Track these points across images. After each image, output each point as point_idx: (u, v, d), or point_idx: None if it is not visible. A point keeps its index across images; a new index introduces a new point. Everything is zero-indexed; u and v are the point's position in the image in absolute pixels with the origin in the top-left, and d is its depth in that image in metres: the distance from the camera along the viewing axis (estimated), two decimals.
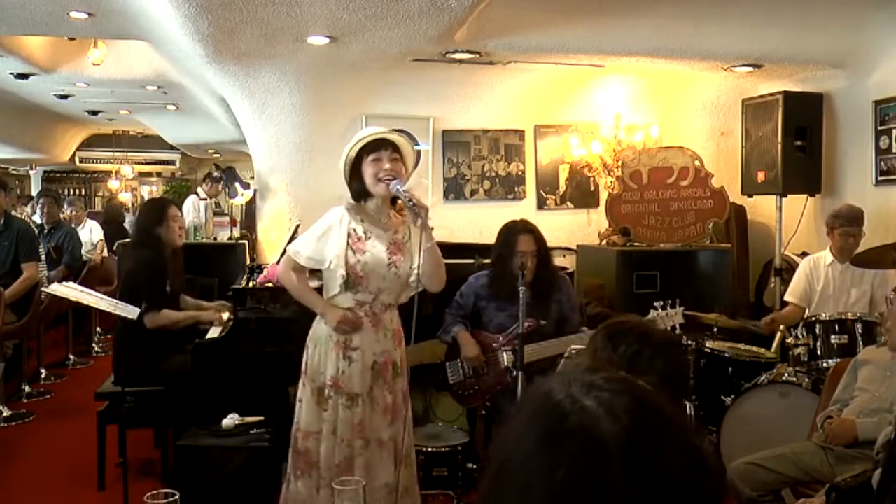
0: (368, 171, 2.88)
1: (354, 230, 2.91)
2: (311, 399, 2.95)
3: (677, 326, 3.70)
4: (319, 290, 3.07)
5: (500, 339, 3.76)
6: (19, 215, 6.62)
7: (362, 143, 2.89)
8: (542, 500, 0.80)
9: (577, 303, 4.15)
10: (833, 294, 4.23)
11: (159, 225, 4.13)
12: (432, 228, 2.85)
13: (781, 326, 4.06)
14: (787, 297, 4.46)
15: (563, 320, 3.85)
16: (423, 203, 2.77)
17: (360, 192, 2.95)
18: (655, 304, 3.68)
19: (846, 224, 4.18)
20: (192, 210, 7.77)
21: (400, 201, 2.89)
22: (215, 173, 7.28)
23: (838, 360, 3.56)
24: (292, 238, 4.29)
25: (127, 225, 9.34)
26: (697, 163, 5.39)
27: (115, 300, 3.86)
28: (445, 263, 3.01)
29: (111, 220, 9.07)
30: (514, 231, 3.80)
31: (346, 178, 2.95)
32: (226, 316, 4.11)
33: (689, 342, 3.99)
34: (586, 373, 0.89)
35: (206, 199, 7.92)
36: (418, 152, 5.83)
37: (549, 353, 3.57)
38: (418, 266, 2.89)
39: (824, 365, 3.70)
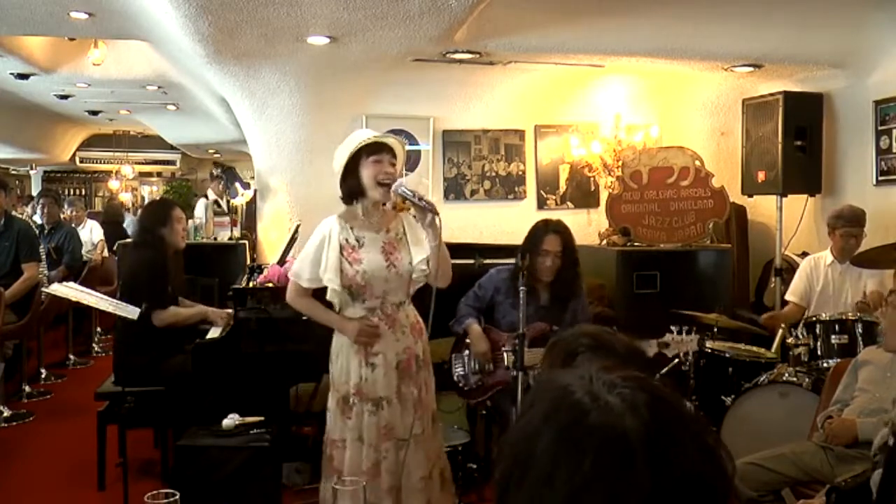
0: (367, 172, 2.86)
1: (346, 240, 2.90)
2: (335, 408, 2.96)
3: (690, 353, 3.66)
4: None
5: (512, 337, 3.74)
6: (20, 215, 6.62)
7: (363, 144, 2.86)
8: (563, 493, 0.81)
9: (591, 315, 4.11)
10: (832, 294, 4.23)
11: (163, 226, 4.12)
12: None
13: (782, 326, 4.06)
14: (787, 297, 4.47)
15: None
16: (432, 202, 2.77)
17: (352, 193, 2.92)
18: (672, 327, 3.56)
19: (848, 225, 4.18)
20: (203, 212, 7.70)
21: (408, 201, 2.84)
22: (215, 171, 7.27)
23: (838, 360, 3.56)
24: (292, 238, 4.29)
25: (127, 225, 9.35)
26: (697, 163, 5.38)
27: (115, 300, 3.86)
28: None
29: (111, 221, 9.07)
30: (543, 230, 3.77)
31: (340, 177, 2.93)
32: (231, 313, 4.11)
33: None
34: (603, 371, 0.90)
35: (215, 199, 7.90)
36: (417, 153, 5.84)
37: None
38: (421, 260, 2.89)
39: (824, 365, 3.70)
